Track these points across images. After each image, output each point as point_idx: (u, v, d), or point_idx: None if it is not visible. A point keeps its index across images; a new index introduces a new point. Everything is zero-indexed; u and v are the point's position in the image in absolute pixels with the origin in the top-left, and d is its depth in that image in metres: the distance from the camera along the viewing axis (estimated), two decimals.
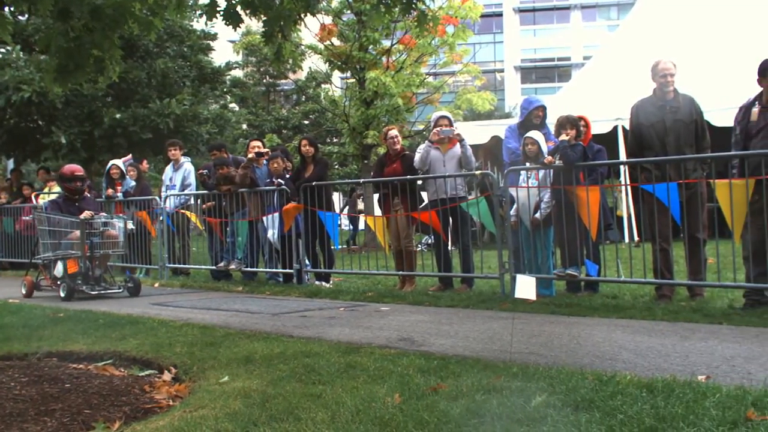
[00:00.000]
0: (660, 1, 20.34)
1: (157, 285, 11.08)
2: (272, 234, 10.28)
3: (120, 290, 9.70)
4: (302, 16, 6.50)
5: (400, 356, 4.90)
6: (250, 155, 10.73)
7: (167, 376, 4.91)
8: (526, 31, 74.70)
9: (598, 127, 14.17)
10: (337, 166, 35.66)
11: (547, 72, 73.25)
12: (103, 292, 9.60)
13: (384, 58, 21.12)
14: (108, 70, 5.48)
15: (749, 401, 3.36)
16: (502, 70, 73.77)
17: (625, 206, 15.49)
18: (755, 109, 6.65)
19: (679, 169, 7.08)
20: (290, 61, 21.65)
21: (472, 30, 21.96)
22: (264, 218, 10.42)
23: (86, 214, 9.66)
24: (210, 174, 11.31)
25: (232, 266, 10.94)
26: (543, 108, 8.46)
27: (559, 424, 3.17)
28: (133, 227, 10.98)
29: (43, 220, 9.93)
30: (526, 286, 7.50)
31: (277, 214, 10.17)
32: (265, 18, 6.18)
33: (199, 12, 6.49)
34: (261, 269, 11.03)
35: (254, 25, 7.41)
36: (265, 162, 10.75)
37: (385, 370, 4.48)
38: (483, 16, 22.61)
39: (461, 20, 20.31)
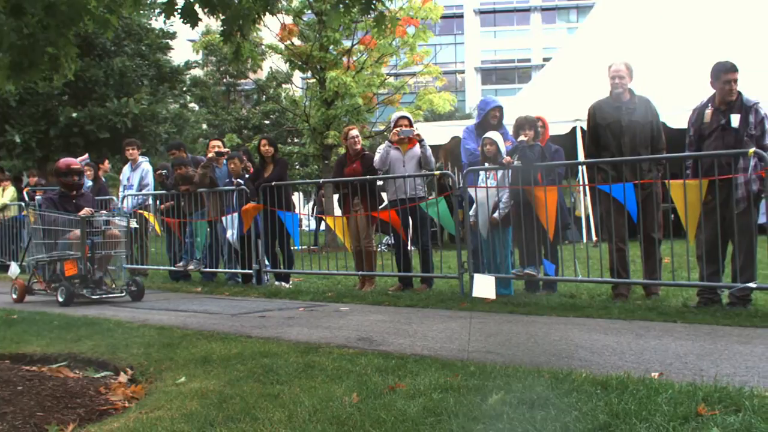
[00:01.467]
0: (618, 5, 20.60)
1: (113, 286, 10.91)
2: (231, 234, 10.22)
3: (122, 294, 9.03)
4: (261, 15, 6.45)
5: (358, 356, 4.91)
6: (210, 155, 10.66)
7: (123, 378, 4.86)
8: (487, 32, 75.12)
9: (557, 128, 14.31)
10: (298, 167, 35.52)
11: (507, 73, 73.74)
12: (104, 296, 8.94)
13: (345, 59, 21.08)
14: (63, 68, 5.40)
15: (700, 397, 3.42)
16: (462, 72, 74.10)
17: (583, 207, 15.65)
18: (708, 111, 6.76)
19: (635, 169, 7.18)
20: (249, 60, 21.56)
21: (432, 31, 22.01)
22: (223, 218, 10.35)
23: (85, 211, 9.02)
24: (168, 174, 11.20)
25: (191, 267, 10.85)
26: (500, 108, 8.51)
27: (515, 422, 3.19)
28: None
29: (36, 218, 9.22)
30: (484, 286, 7.54)
31: (236, 215, 10.11)
32: (223, 17, 6.14)
33: (157, 10, 6.43)
34: (220, 270, 10.96)
35: (213, 24, 7.35)
36: (224, 162, 10.68)
37: (344, 369, 4.49)
38: (444, 17, 22.71)
39: (422, 21, 20.34)
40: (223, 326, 6.60)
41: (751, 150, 6.30)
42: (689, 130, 6.97)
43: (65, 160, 9.68)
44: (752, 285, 6.42)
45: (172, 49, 22.58)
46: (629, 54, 14.84)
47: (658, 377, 3.96)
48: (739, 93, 6.64)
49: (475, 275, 7.77)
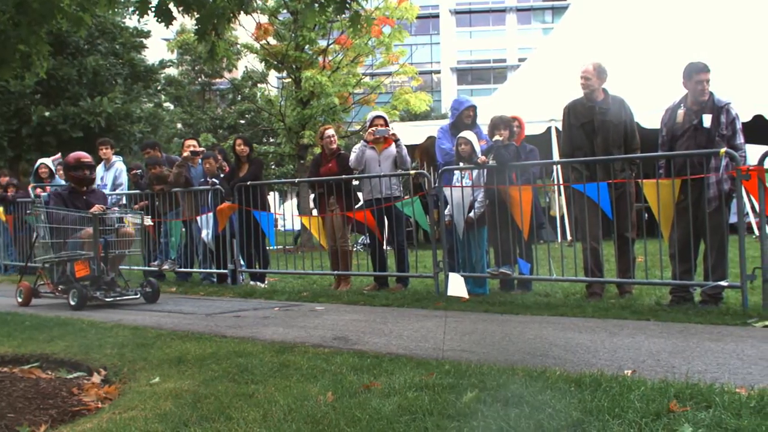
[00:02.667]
0: (593, 5, 20.76)
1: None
2: (206, 234, 10.17)
3: (136, 296, 8.54)
4: (236, 14, 6.44)
5: (333, 355, 4.91)
6: (185, 154, 10.60)
7: (96, 378, 4.82)
8: (462, 32, 75.33)
9: (532, 128, 14.38)
10: (273, 166, 35.44)
11: (483, 74, 73.97)
12: (118, 298, 8.43)
13: (320, 58, 21.06)
14: (35, 66, 5.35)
15: (672, 393, 3.45)
16: (438, 72, 74.23)
17: (558, 206, 15.74)
18: (681, 111, 6.83)
19: (608, 169, 7.23)
20: (225, 60, 21.48)
21: (408, 31, 22.05)
22: (198, 218, 10.30)
23: (97, 208, 8.46)
24: (143, 173, 11.12)
25: (166, 267, 10.78)
26: (473, 108, 8.54)
27: (489, 420, 3.21)
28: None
29: (43, 215, 8.64)
30: (458, 284, 7.56)
31: (211, 214, 10.06)
32: (197, 15, 6.11)
33: (131, 9, 6.39)
34: (195, 270, 10.90)
35: (188, 23, 7.32)
36: (200, 161, 10.63)
37: (319, 368, 4.49)
38: (419, 17, 22.77)
39: (397, 21, 20.38)
40: (198, 326, 6.57)
41: (723, 150, 6.36)
42: (662, 129, 7.03)
43: (75, 154, 9.05)
44: (723, 283, 6.50)
45: (147, 48, 22.43)
46: (604, 54, 14.97)
47: (631, 375, 3.99)
48: (711, 93, 6.71)
49: (450, 274, 7.79)
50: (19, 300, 8.77)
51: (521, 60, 44.71)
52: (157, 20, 6.13)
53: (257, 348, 5.27)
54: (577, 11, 22.14)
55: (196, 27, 6.18)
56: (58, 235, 8.52)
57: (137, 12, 6.12)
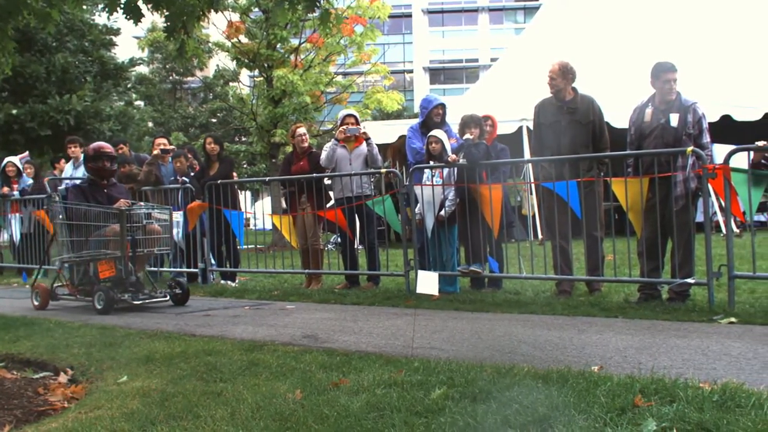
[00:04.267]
0: (564, 6, 20.89)
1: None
2: (176, 233, 10.09)
3: (165, 298, 8.04)
4: (206, 12, 6.40)
5: (303, 353, 4.91)
6: (155, 152, 10.52)
7: (63, 378, 4.77)
8: (435, 32, 75.44)
9: (504, 128, 14.44)
10: (245, 165, 35.30)
11: (455, 73, 74.12)
12: (147, 301, 7.91)
13: (292, 57, 20.99)
14: (1, 64, 5.29)
15: (637, 389, 3.49)
16: (411, 71, 74.30)
17: (529, 205, 15.82)
18: (648, 110, 6.90)
19: (576, 168, 7.28)
20: (195, 58, 21.33)
21: (381, 30, 22.04)
22: None
23: (123, 203, 7.91)
24: None
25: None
26: (442, 106, 8.56)
27: (457, 415, 3.22)
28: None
29: (60, 211, 8.00)
30: (428, 282, 7.58)
31: (181, 213, 9.99)
32: (167, 13, 6.08)
33: (101, 6, 6.32)
34: (165, 269, 10.82)
35: (159, 20, 7.26)
36: (170, 160, 10.56)
37: (288, 366, 4.49)
38: (392, 16, 22.79)
39: (369, 20, 20.37)
40: (167, 325, 6.53)
41: (689, 149, 6.43)
42: (630, 128, 7.10)
43: (95, 144, 8.44)
44: (690, 281, 6.57)
45: (117, 45, 22.24)
46: (575, 54, 15.08)
47: (598, 371, 4.03)
48: (678, 93, 6.79)
49: (419, 272, 7.82)
50: (36, 303, 8.22)
51: (493, 60, 44.90)
52: (126, 18, 6.09)
53: (226, 346, 5.26)
54: (548, 11, 22.28)
55: (166, 25, 6.15)
56: (78, 232, 7.89)
57: (106, 9, 6.07)
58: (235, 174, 11.35)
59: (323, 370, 4.36)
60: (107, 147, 8.31)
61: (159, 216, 8.20)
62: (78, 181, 8.95)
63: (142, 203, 8.42)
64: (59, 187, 8.96)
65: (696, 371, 4.02)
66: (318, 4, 5.94)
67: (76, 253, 7.92)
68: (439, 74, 74.84)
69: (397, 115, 33.98)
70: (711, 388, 3.48)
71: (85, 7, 19.52)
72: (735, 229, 11.99)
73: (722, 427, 2.89)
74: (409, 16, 73.53)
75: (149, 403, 3.77)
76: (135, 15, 6.01)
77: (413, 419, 3.25)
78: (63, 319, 7.06)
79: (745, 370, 4.07)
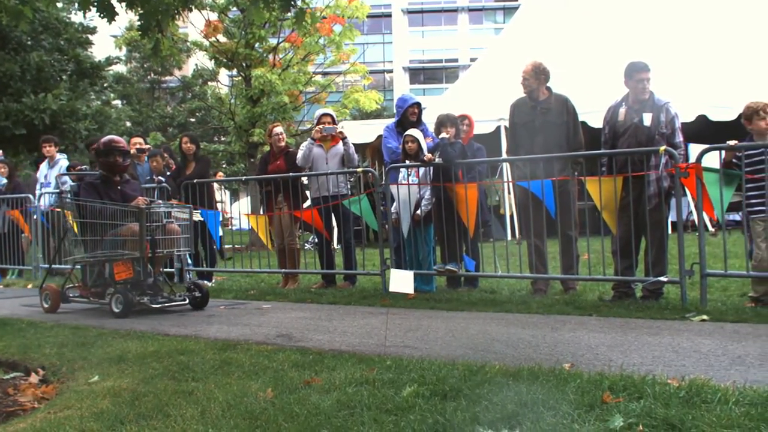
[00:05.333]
0: (543, 6, 20.97)
1: (30, 286, 10.63)
2: None
3: (184, 301, 7.59)
4: (181, 10, 6.37)
5: (276, 352, 4.90)
6: (131, 151, 10.44)
7: (34, 378, 4.74)
8: (415, 32, 75.48)
9: (482, 127, 14.49)
10: (225, 165, 35.17)
11: (435, 73, 74.20)
12: (167, 304, 7.48)
13: (270, 56, 20.93)
14: None
15: (606, 386, 3.52)
16: (391, 71, 74.31)
17: (508, 205, 15.88)
18: (622, 110, 6.95)
19: (550, 167, 7.31)
20: (173, 58, 21.25)
21: (360, 30, 22.04)
22: None
23: (141, 200, 7.55)
24: (87, 171, 10.93)
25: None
26: (418, 105, 8.58)
27: (426, 413, 3.23)
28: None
29: (72, 209, 7.58)
30: (401, 280, 7.58)
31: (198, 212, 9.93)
32: (141, 11, 6.05)
33: (77, 4, 6.28)
34: None
35: (135, 19, 7.18)
36: (146, 159, 10.50)
37: (260, 365, 4.48)
38: (372, 16, 22.80)
39: (348, 20, 20.35)
40: (141, 325, 6.49)
41: (662, 148, 6.49)
42: (604, 128, 7.15)
43: (106, 137, 7.91)
44: (663, 279, 6.62)
45: (93, 44, 22.07)
46: (553, 53, 15.18)
47: (569, 368, 4.05)
48: (651, 93, 6.84)
49: (392, 270, 7.82)
50: (46, 306, 7.80)
51: (473, 60, 45.01)
52: (100, 16, 6.06)
53: (200, 346, 5.25)
54: (527, 11, 22.34)
55: (140, 23, 6.12)
56: (92, 231, 7.40)
57: (79, 7, 6.03)
58: (221, 174, 11.31)
59: (296, 368, 4.35)
60: (119, 141, 7.82)
61: (179, 215, 7.85)
62: (90, 178, 8.20)
63: (160, 201, 8.08)
64: (71, 183, 8.35)
65: (665, 368, 4.06)
66: (293, 3, 5.95)
67: (89, 252, 7.46)
68: (418, 74, 74.89)
69: (377, 115, 34.00)
70: (679, 384, 3.51)
71: (60, 5, 19.39)
72: (710, 228, 12.08)
73: (687, 423, 2.92)
74: (389, 15, 73.55)
75: (119, 403, 3.75)
76: (108, 13, 5.98)
77: (383, 417, 3.26)
78: (36, 319, 7.00)
79: (714, 367, 4.12)
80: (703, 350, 4.59)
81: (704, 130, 13.59)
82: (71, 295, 7.89)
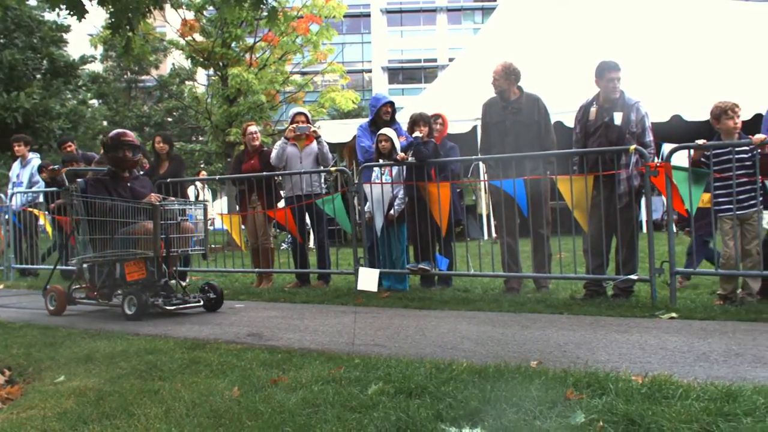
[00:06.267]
0: (520, 6, 21.05)
1: (1, 286, 10.52)
2: None
3: (199, 303, 7.20)
4: (152, 8, 6.33)
5: (245, 351, 4.89)
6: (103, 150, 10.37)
7: (0, 379, 4.69)
8: (394, 32, 75.51)
9: (459, 127, 14.55)
10: (202, 165, 35.00)
11: (414, 73, 74.27)
12: (182, 306, 7.09)
13: (247, 55, 20.86)
14: None
15: (570, 382, 3.54)
16: (369, 71, 74.30)
17: (485, 204, 15.92)
18: (593, 109, 6.99)
19: (522, 167, 7.33)
20: (152, 55, 21.12)
21: (338, 30, 22.01)
22: None
23: (154, 197, 7.21)
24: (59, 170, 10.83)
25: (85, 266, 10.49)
26: (391, 104, 8.58)
27: (390, 410, 3.24)
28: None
29: (79, 206, 7.12)
30: (368, 279, 7.58)
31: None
32: (112, 9, 6.01)
33: (48, 1, 6.22)
34: None
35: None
36: None
37: (229, 364, 4.47)
38: (351, 16, 22.81)
39: (325, 19, 20.32)
40: (112, 325, 6.45)
41: (632, 147, 6.53)
42: (576, 127, 7.18)
43: (114, 131, 7.61)
44: (633, 277, 6.67)
45: (67, 42, 21.88)
46: (529, 53, 15.25)
47: (536, 365, 4.06)
48: (622, 92, 6.88)
49: (360, 268, 7.82)
50: (51, 308, 7.48)
51: (451, 59, 45.13)
52: (70, 14, 6.02)
53: (169, 345, 5.22)
54: (504, 11, 22.41)
55: (110, 21, 6.08)
56: (102, 229, 7.00)
57: (49, 5, 5.98)
58: (204, 172, 11.21)
59: (264, 367, 4.35)
60: (128, 135, 7.48)
61: (194, 213, 7.51)
62: (97, 174, 7.87)
63: (173, 198, 7.75)
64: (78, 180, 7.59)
65: (631, 365, 4.09)
66: (264, 2, 5.93)
67: (98, 252, 7.04)
68: (397, 74, 74.92)
69: (355, 115, 33.98)
70: (642, 380, 3.54)
71: (34, 2, 19.18)
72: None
73: (647, 418, 2.94)
74: (368, 15, 73.55)
75: (84, 403, 3.73)
76: (78, 11, 5.94)
77: (347, 415, 3.26)
78: (5, 319, 6.93)
79: (679, 363, 4.15)
80: (670, 347, 4.62)
81: (679, 130, 13.69)
82: (78, 296, 7.54)
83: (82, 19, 6.09)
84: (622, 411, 3.03)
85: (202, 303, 7.22)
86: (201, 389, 3.86)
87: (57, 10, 6.04)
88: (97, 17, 7.31)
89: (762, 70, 15.40)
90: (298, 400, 3.50)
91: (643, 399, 3.22)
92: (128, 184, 7.34)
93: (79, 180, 7.39)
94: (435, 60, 71.89)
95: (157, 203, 7.03)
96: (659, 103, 14.26)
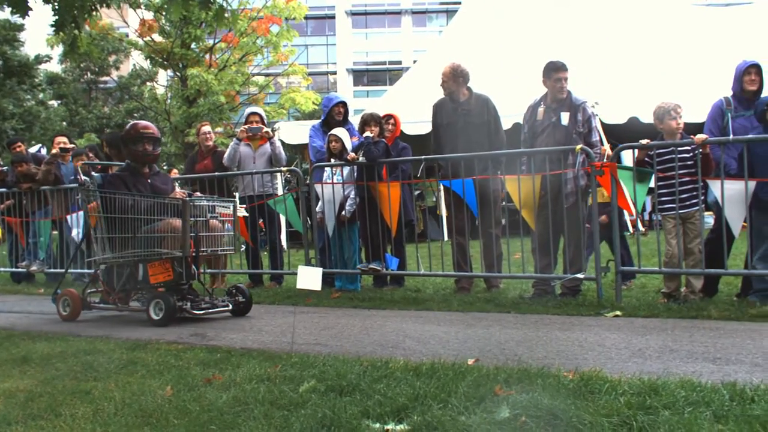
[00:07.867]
0: (482, 8, 21.14)
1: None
2: (76, 233, 9.84)
3: (228, 307, 6.68)
4: (97, 6, 6.25)
5: (185, 351, 4.87)
6: (54, 151, 10.23)
7: None
8: (359, 34, 75.49)
9: (419, 128, 14.54)
10: (165, 166, 34.69)
11: (379, 75, 74.27)
12: (211, 310, 6.58)
13: (207, 56, 20.75)
14: None
15: (502, 379, 3.56)
16: (334, 72, 74.22)
17: (444, 205, 15.94)
18: (540, 109, 7.05)
19: (471, 167, 7.35)
20: (112, 56, 20.89)
21: (299, 31, 21.97)
22: (68, 217, 9.96)
23: (180, 193, 6.85)
24: (8, 171, 10.68)
25: (34, 267, 10.37)
26: (343, 104, 8.58)
27: (317, 408, 3.23)
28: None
29: (95, 202, 6.68)
30: (309, 277, 7.54)
31: (81, 213, 9.74)
32: (56, 6, 5.93)
33: None
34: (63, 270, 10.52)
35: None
36: (70, 159, 10.29)
37: (166, 364, 4.44)
38: (316, 18, 22.80)
39: (285, 20, 20.27)
40: (54, 327, 6.37)
41: (578, 147, 6.60)
42: (524, 127, 7.24)
43: (135, 122, 7.14)
44: (580, 276, 6.73)
45: (21, 41, 21.56)
46: (491, 55, 15.32)
47: (473, 363, 4.08)
48: (569, 92, 6.95)
49: (300, 267, 7.79)
50: (64, 313, 6.92)
51: (416, 62, 45.26)
52: (12, 12, 5.93)
53: (109, 346, 5.17)
54: (466, 13, 22.49)
55: (55, 19, 5.99)
56: (123, 228, 6.55)
57: None
58: (176, 171, 11.04)
59: (201, 366, 4.33)
60: (149, 126, 6.98)
61: (223, 211, 6.99)
62: (116, 169, 7.48)
63: (200, 194, 7.33)
64: (94, 174, 7.08)
65: (566, 361, 4.12)
66: (211, 1, 5.88)
67: (118, 252, 6.57)
68: (362, 76, 74.91)
69: (318, 116, 33.88)
70: (572, 376, 3.56)
71: None
72: (641, 228, 12.29)
73: (570, 412, 2.96)
74: (333, 17, 73.45)
75: (12, 404, 3.68)
76: (20, 8, 5.85)
77: (274, 412, 3.25)
78: None
79: (614, 359, 4.19)
80: (607, 344, 4.67)
81: (636, 132, 13.83)
82: (93, 301, 7.06)
83: (26, 16, 6.00)
84: (546, 406, 3.05)
85: (231, 307, 6.72)
86: (134, 389, 3.82)
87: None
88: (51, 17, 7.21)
89: (718, 72, 15.64)
90: (228, 399, 3.48)
91: (569, 394, 3.25)
92: (148, 180, 6.90)
93: (95, 175, 6.97)
94: (400, 62, 71.95)
95: (187, 199, 6.53)
96: (617, 105, 14.40)
